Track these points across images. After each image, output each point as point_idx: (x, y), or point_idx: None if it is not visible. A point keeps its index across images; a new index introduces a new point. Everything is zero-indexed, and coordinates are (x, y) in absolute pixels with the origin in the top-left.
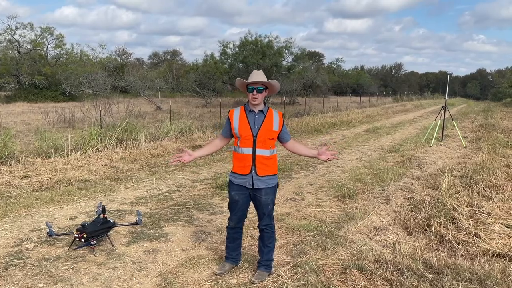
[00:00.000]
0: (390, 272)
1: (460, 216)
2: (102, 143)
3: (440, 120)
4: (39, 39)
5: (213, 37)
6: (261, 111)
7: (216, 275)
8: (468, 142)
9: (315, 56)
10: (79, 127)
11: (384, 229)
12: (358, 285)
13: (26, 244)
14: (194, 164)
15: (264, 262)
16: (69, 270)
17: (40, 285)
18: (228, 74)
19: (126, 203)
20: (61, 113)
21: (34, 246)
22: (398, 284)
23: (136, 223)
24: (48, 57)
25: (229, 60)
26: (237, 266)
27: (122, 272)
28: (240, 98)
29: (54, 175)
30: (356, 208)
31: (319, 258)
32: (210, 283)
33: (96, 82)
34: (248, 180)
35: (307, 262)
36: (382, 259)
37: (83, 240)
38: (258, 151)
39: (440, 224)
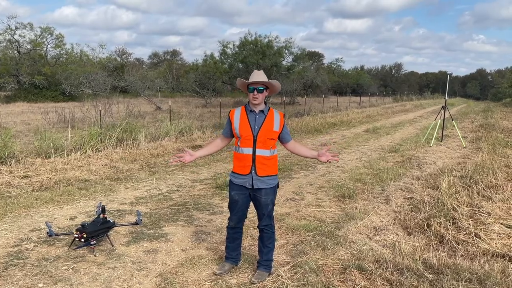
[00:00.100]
0: (390, 272)
1: (460, 216)
2: (102, 143)
3: (440, 120)
4: (39, 39)
5: (213, 37)
6: (262, 111)
7: (216, 275)
8: (468, 142)
9: (315, 56)
10: (79, 127)
11: (384, 229)
12: (358, 285)
13: (26, 244)
14: (194, 164)
15: (264, 262)
16: (69, 270)
17: (40, 285)
18: (228, 74)
19: (126, 203)
20: (61, 113)
21: (34, 246)
22: (398, 284)
23: (136, 223)
24: (48, 57)
25: (229, 60)
26: (237, 266)
27: (122, 272)
28: (240, 98)
29: (54, 175)
30: (356, 208)
31: (319, 258)
32: (210, 283)
33: (96, 82)
34: (248, 180)
35: (307, 262)
36: (382, 259)
37: (83, 240)
38: (258, 151)
39: (440, 224)
